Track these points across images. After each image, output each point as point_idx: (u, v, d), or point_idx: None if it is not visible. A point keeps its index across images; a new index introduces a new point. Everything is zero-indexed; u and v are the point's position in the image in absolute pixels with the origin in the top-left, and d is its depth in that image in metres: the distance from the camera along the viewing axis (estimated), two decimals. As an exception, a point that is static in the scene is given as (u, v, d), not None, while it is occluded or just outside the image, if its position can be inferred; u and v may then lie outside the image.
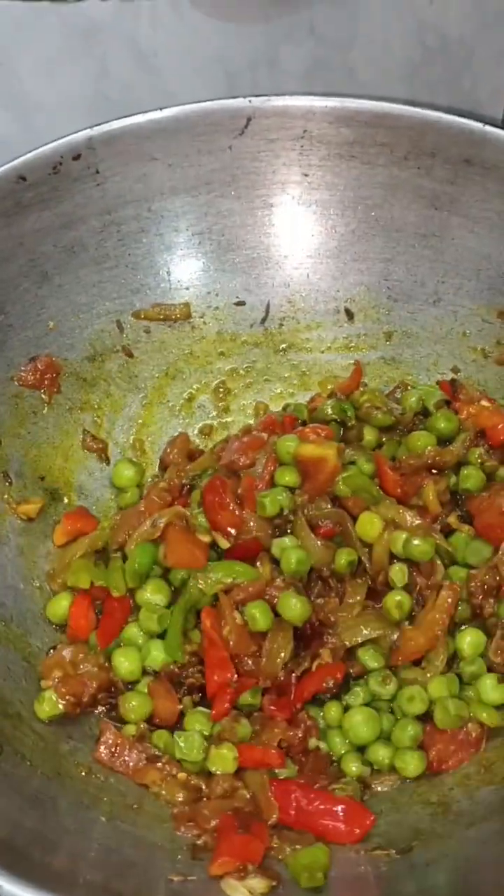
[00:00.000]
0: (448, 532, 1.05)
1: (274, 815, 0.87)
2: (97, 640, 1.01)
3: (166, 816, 0.89)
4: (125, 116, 1.21)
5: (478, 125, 1.18)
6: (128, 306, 1.25)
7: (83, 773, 0.92)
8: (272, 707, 0.94)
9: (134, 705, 0.96)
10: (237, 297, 1.28)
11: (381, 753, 0.94)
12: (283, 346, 1.28)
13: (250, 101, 1.22)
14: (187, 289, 1.27)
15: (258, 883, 0.80)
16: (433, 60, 1.51)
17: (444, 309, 1.24)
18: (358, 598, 0.98)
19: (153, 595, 1.00)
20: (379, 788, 0.94)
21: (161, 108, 1.22)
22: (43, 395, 1.18)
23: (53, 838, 0.83)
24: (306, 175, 1.26)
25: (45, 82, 1.40)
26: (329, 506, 1.01)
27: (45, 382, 1.17)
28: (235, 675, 0.94)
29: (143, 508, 1.07)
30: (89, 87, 1.41)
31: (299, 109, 1.23)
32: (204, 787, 0.90)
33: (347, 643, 0.96)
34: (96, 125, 1.20)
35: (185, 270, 1.27)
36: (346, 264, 1.27)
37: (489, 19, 1.44)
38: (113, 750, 0.93)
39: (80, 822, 0.86)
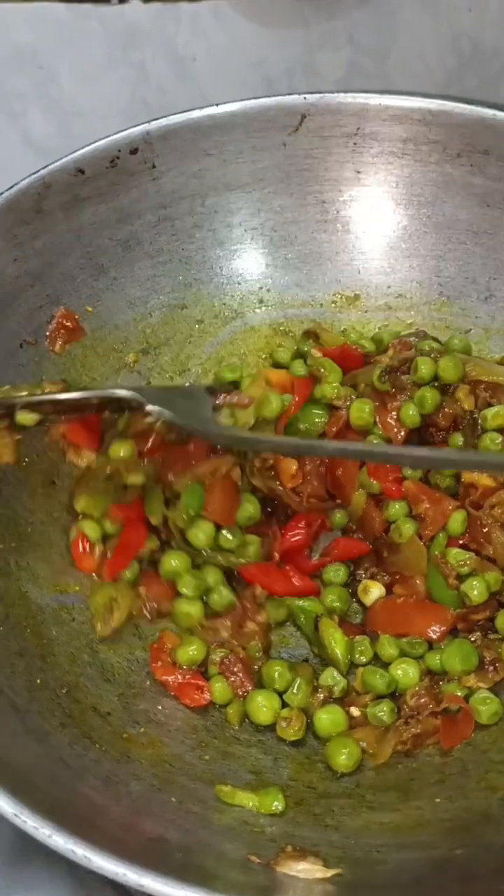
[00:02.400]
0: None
1: None
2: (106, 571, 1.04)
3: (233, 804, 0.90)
4: (182, 112, 1.23)
5: (532, 123, 1.20)
6: (180, 300, 1.26)
7: (152, 759, 0.92)
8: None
9: None
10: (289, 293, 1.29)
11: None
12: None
13: (305, 98, 1.24)
14: (239, 284, 1.28)
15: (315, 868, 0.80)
16: (469, 68, 1.53)
17: (496, 305, 1.25)
18: None
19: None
20: None
21: (217, 104, 1.23)
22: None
23: (129, 816, 0.82)
24: (359, 172, 1.27)
25: (85, 87, 1.41)
26: None
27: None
28: None
29: (192, 449, 1.08)
30: (128, 93, 1.42)
31: (353, 107, 1.24)
32: None
33: None
34: (153, 120, 1.21)
35: (237, 266, 1.28)
36: (397, 261, 1.28)
37: (526, 28, 1.46)
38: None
39: (154, 805, 0.86)
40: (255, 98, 1.23)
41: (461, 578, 1.02)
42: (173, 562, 1.04)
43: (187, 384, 1.23)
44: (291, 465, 1.12)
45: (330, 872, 0.79)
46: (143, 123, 1.21)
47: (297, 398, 1.15)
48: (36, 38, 1.40)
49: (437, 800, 0.91)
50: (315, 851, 0.82)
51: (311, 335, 1.26)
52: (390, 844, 0.86)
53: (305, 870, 0.79)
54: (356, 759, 0.94)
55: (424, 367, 1.10)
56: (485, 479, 1.06)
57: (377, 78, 1.52)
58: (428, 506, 1.06)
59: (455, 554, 1.03)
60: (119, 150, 1.20)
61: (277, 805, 0.90)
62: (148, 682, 1.01)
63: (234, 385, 1.22)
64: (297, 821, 0.88)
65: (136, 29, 1.36)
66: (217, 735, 0.98)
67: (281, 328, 1.29)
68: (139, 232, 1.23)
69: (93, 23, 1.37)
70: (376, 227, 1.28)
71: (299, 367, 1.21)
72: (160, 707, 0.99)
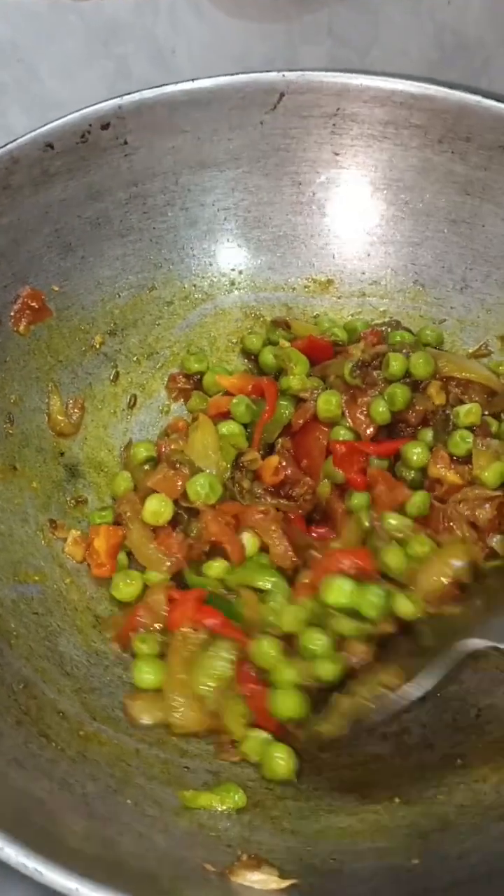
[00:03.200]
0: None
1: None
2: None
3: (196, 807, 0.88)
4: (156, 86, 1.18)
5: (516, 111, 1.17)
6: (150, 281, 1.23)
7: (109, 757, 0.91)
8: None
9: None
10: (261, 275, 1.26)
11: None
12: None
13: (284, 76, 1.20)
14: (210, 265, 1.25)
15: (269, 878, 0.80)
16: (451, 61, 1.50)
17: (471, 296, 1.23)
18: None
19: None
20: None
21: (193, 80, 1.19)
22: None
23: (85, 822, 0.81)
24: (337, 154, 1.24)
25: (65, 81, 1.38)
26: None
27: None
28: None
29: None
30: (108, 86, 1.38)
31: (334, 86, 1.20)
32: None
33: None
34: (126, 94, 1.17)
35: (209, 246, 1.25)
36: (373, 246, 1.26)
37: (509, 15, 1.43)
38: None
39: (109, 808, 0.85)
40: (233, 74, 1.19)
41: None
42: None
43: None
44: (273, 461, 1.10)
45: (285, 883, 0.79)
46: (116, 98, 1.17)
47: (268, 407, 1.12)
48: (15, 32, 1.36)
49: (396, 800, 0.91)
50: (271, 860, 0.81)
51: (281, 324, 1.23)
52: (347, 851, 0.85)
53: (261, 880, 0.78)
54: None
55: (396, 364, 1.08)
56: (451, 476, 1.05)
57: (358, 68, 1.49)
58: (383, 488, 1.06)
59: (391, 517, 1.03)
60: (90, 125, 1.16)
61: (238, 799, 0.89)
62: (108, 677, 1.00)
63: (200, 375, 1.20)
64: (254, 824, 0.88)
65: (116, 23, 1.32)
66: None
67: (252, 312, 1.26)
68: (109, 210, 1.20)
69: (72, 17, 1.33)
70: (353, 211, 1.25)
71: (268, 356, 1.19)
72: (120, 702, 0.98)
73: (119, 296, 1.21)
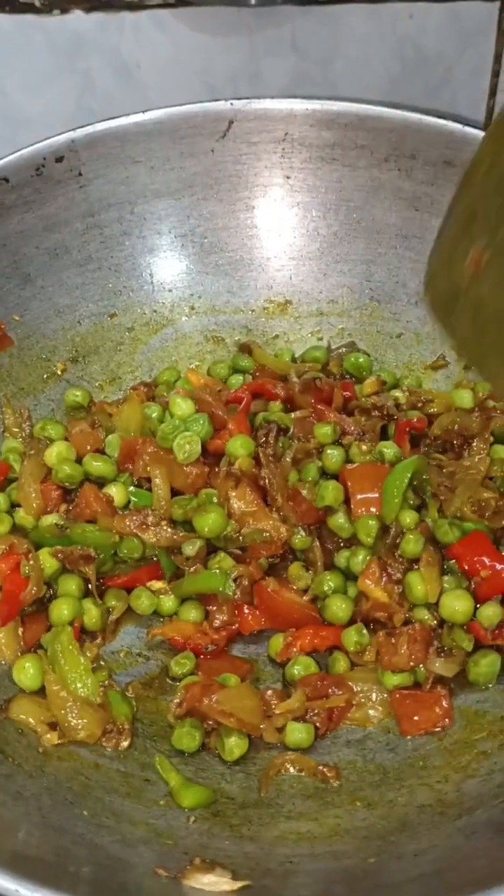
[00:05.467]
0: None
1: None
2: None
3: (147, 814, 0.88)
4: (107, 119, 1.22)
5: (457, 126, 1.20)
6: (110, 308, 1.25)
7: (68, 772, 0.91)
8: None
9: None
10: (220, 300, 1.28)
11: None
12: (266, 346, 1.28)
13: (232, 105, 1.23)
14: (170, 291, 1.28)
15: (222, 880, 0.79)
16: (413, 74, 1.52)
17: (426, 309, 1.24)
18: None
19: None
20: None
21: (143, 112, 1.23)
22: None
23: (39, 834, 0.81)
24: (288, 177, 1.27)
25: (31, 96, 1.41)
26: None
27: None
28: None
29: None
30: (74, 101, 1.42)
31: (280, 112, 1.24)
32: None
33: None
34: (79, 127, 1.21)
35: (167, 273, 1.27)
36: (328, 266, 1.28)
37: (468, 33, 1.46)
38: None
39: (65, 819, 0.85)
40: (181, 105, 1.23)
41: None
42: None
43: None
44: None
45: (237, 885, 0.78)
46: (69, 131, 1.20)
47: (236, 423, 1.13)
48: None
49: (357, 804, 0.91)
50: (227, 864, 0.81)
51: (246, 349, 1.25)
52: (304, 855, 0.85)
53: (212, 882, 0.78)
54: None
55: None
56: (378, 593, 1.02)
57: (323, 85, 1.52)
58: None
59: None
60: (44, 158, 1.19)
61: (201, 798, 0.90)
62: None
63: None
64: (212, 832, 0.88)
65: (80, 38, 1.36)
66: (138, 746, 0.96)
67: (213, 335, 1.28)
68: (67, 240, 1.22)
69: (36, 33, 1.36)
70: (307, 232, 1.28)
71: (236, 383, 1.20)
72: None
73: (80, 323, 1.24)
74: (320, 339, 1.28)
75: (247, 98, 1.24)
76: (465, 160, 1.19)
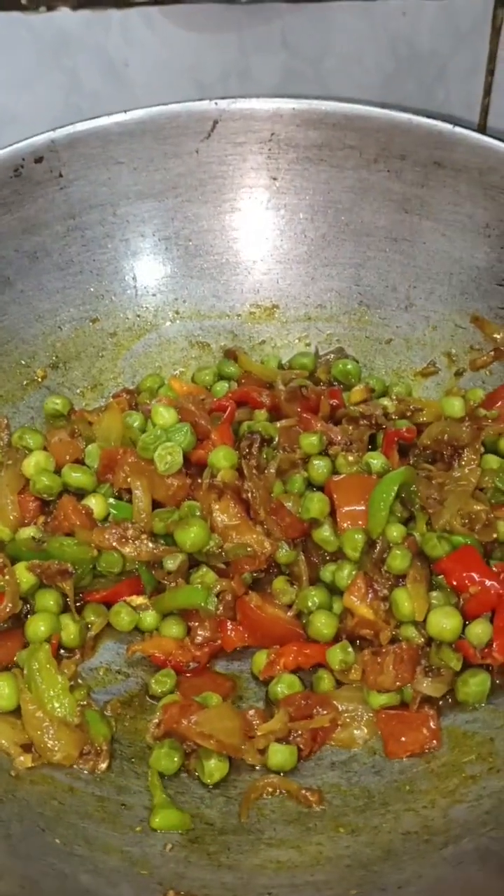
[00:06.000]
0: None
1: None
2: None
3: (123, 842, 0.85)
4: (89, 119, 1.19)
5: (447, 126, 1.16)
6: (92, 313, 1.22)
7: (41, 796, 0.88)
8: None
9: None
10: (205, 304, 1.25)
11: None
12: (252, 352, 1.25)
13: (216, 104, 1.20)
14: (154, 295, 1.24)
15: None
16: (406, 72, 1.49)
17: (416, 314, 1.22)
18: None
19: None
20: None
21: (126, 111, 1.19)
22: None
23: (5, 864, 0.78)
24: (274, 179, 1.23)
25: (17, 94, 1.37)
26: None
27: None
28: None
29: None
30: (61, 99, 1.39)
31: (266, 112, 1.20)
32: None
33: None
34: (59, 127, 1.17)
35: (151, 276, 1.24)
36: (316, 269, 1.24)
37: (462, 31, 1.42)
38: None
39: (34, 848, 0.82)
40: (164, 104, 1.19)
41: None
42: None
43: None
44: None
45: (212, 919, 0.75)
46: (48, 131, 1.17)
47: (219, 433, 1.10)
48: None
49: (340, 830, 0.87)
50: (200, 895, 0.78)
51: (231, 355, 1.22)
52: (284, 885, 0.82)
53: (186, 917, 0.75)
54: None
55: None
56: (364, 609, 0.98)
57: (314, 82, 1.49)
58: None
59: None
60: (23, 159, 1.16)
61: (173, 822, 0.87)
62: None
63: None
64: (189, 860, 0.84)
65: (67, 36, 1.33)
66: (115, 768, 0.93)
67: (198, 340, 1.25)
68: (47, 243, 1.19)
69: (22, 30, 1.33)
70: (294, 235, 1.25)
71: (221, 390, 1.17)
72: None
73: (61, 328, 1.20)
74: (308, 344, 1.24)
75: (232, 97, 1.21)
76: (456, 161, 1.18)
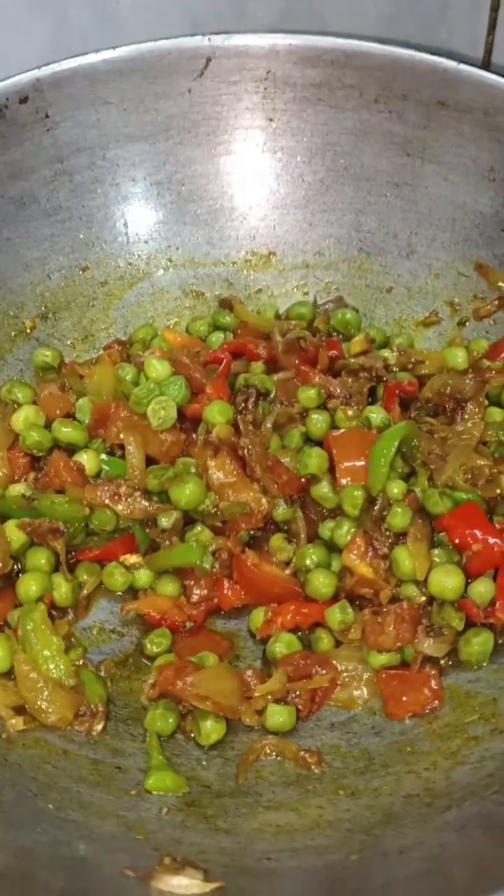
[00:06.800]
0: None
1: None
2: None
3: (118, 806, 0.83)
4: (75, 56, 1.13)
5: (452, 64, 1.11)
6: (82, 261, 1.18)
7: (33, 760, 0.86)
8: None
9: None
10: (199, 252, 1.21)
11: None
12: (248, 302, 1.21)
13: (209, 40, 1.15)
14: (146, 242, 1.20)
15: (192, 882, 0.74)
16: (408, 10, 1.43)
17: (418, 262, 1.18)
18: None
19: None
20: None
21: (114, 48, 1.14)
22: None
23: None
24: (271, 120, 1.18)
25: (5, 35, 1.32)
26: None
27: None
28: None
29: None
30: (50, 39, 1.33)
31: (262, 49, 1.15)
32: None
33: None
34: (44, 65, 1.12)
35: (143, 223, 1.19)
36: (314, 215, 1.20)
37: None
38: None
39: (27, 814, 0.80)
40: (154, 40, 1.14)
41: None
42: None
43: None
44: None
45: (209, 886, 0.74)
46: (33, 69, 1.12)
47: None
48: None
49: (340, 793, 0.86)
50: (197, 862, 0.76)
51: (227, 304, 1.18)
52: (284, 850, 0.80)
53: (182, 885, 0.73)
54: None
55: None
56: (363, 568, 0.96)
57: (311, 22, 1.43)
58: None
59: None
60: (7, 99, 1.11)
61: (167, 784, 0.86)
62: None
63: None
64: (186, 825, 0.83)
65: None
66: (110, 730, 0.91)
67: (192, 289, 1.21)
68: (34, 188, 1.15)
69: None
70: (291, 179, 1.20)
71: (216, 341, 1.13)
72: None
73: (49, 277, 1.16)
74: (306, 293, 1.20)
75: (226, 33, 1.15)
76: (460, 101, 1.13)
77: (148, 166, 1.18)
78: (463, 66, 1.11)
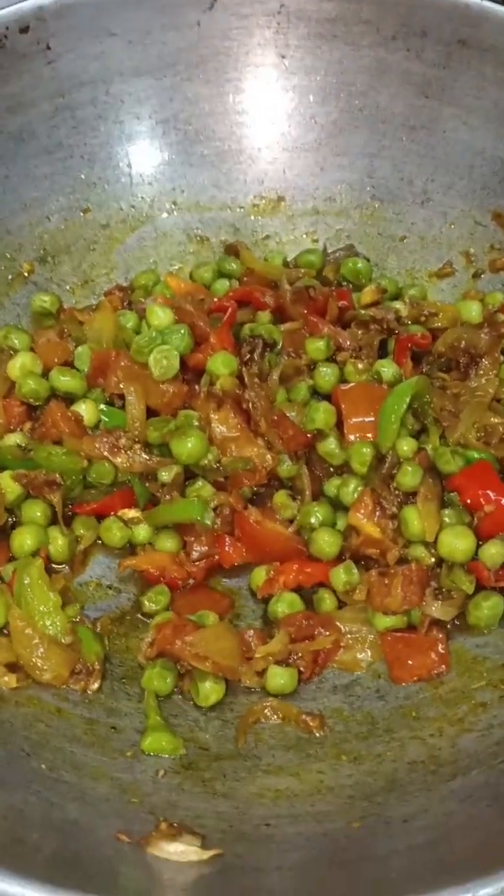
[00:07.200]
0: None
1: None
2: None
3: (112, 767, 0.80)
4: (79, -16, 1.08)
5: (475, 0, 1.06)
6: (83, 202, 1.13)
7: (26, 718, 0.83)
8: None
9: None
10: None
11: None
12: (255, 248, 1.16)
13: (221, -30, 1.09)
14: (150, 184, 1.15)
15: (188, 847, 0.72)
16: None
17: (433, 210, 1.13)
18: None
19: None
20: None
21: (120, -24, 1.08)
22: None
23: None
24: (283, 57, 1.13)
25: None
26: None
27: None
28: None
29: None
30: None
31: (276, -20, 1.09)
32: None
33: None
34: (46, -7, 1.07)
35: (147, 163, 1.15)
36: (326, 159, 1.15)
37: None
38: None
39: (19, 774, 0.77)
40: (163, -32, 1.08)
41: None
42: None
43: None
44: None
45: (207, 854, 0.71)
46: (35, -4, 1.06)
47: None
48: None
49: (342, 758, 0.83)
50: (194, 828, 0.74)
51: (233, 250, 1.14)
52: (283, 816, 0.78)
53: (179, 852, 0.71)
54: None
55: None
56: (370, 528, 0.92)
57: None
58: None
59: None
60: (7, 28, 1.06)
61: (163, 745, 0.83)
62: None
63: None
64: (182, 788, 0.80)
65: None
66: (105, 689, 0.89)
67: (197, 234, 1.16)
68: (34, 123, 1.10)
69: None
70: (303, 120, 1.15)
71: (221, 289, 1.09)
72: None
73: (49, 219, 1.12)
74: (315, 241, 1.16)
75: (238, -38, 1.10)
76: (483, 40, 1.07)
77: (153, 103, 1.13)
78: (487, 3, 1.06)
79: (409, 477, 0.92)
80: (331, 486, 0.97)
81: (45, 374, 1.01)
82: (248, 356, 0.99)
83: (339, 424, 0.97)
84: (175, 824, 0.74)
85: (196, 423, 0.96)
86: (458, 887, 0.60)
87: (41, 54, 1.08)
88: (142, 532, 0.97)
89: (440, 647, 0.90)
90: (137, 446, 0.96)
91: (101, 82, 1.11)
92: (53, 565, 0.96)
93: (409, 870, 0.68)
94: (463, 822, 0.73)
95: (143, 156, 1.14)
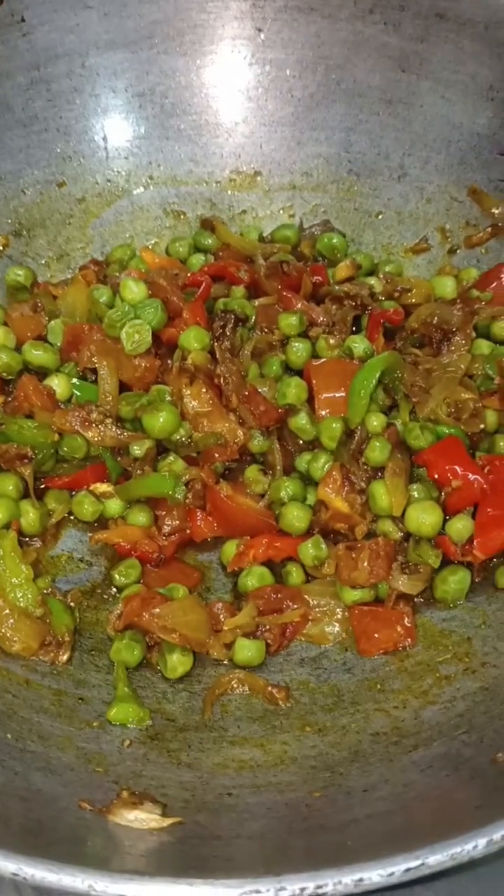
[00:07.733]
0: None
1: None
2: None
3: (79, 737, 0.81)
4: (53, -46, 1.07)
5: (453, -28, 1.05)
6: (58, 175, 1.13)
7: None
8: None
9: None
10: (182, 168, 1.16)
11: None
12: (231, 223, 1.16)
13: None
14: (126, 158, 1.15)
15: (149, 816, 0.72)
16: None
17: (410, 185, 1.13)
18: None
19: None
20: None
21: None
22: None
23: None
24: (260, 30, 1.12)
25: None
26: None
27: None
28: None
29: None
30: None
31: (252, -49, 1.09)
32: None
33: None
34: (20, -37, 1.06)
35: (123, 137, 1.14)
36: (303, 133, 1.15)
37: None
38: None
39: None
40: None
41: None
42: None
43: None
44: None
45: (167, 822, 0.72)
46: (8, -33, 1.05)
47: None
48: None
49: (307, 729, 0.84)
50: (155, 796, 0.75)
51: (208, 225, 1.13)
52: (245, 786, 0.78)
53: (139, 819, 0.71)
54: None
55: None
56: (339, 503, 0.93)
57: None
58: None
59: None
60: (-20, -1, 1.05)
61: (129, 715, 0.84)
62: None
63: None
64: (147, 758, 0.81)
65: None
66: (74, 661, 0.89)
67: (173, 209, 1.16)
68: (9, 96, 1.09)
69: None
70: (280, 94, 1.15)
71: (197, 263, 1.09)
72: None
73: (24, 192, 1.12)
74: (292, 215, 1.16)
75: None
76: (461, 13, 1.07)
77: (129, 76, 1.12)
78: (464, -24, 1.04)
79: (378, 452, 0.92)
80: (301, 461, 0.97)
81: (18, 347, 1.01)
82: (221, 331, 0.99)
83: (311, 400, 0.97)
84: (136, 793, 0.75)
85: (168, 398, 0.96)
86: (408, 854, 0.61)
87: (16, 26, 1.07)
88: (113, 506, 0.98)
89: (406, 621, 0.91)
90: (109, 420, 0.96)
91: (77, 55, 1.10)
92: (25, 538, 0.97)
93: (366, 838, 0.69)
94: (421, 791, 0.74)
95: (119, 129, 1.14)
